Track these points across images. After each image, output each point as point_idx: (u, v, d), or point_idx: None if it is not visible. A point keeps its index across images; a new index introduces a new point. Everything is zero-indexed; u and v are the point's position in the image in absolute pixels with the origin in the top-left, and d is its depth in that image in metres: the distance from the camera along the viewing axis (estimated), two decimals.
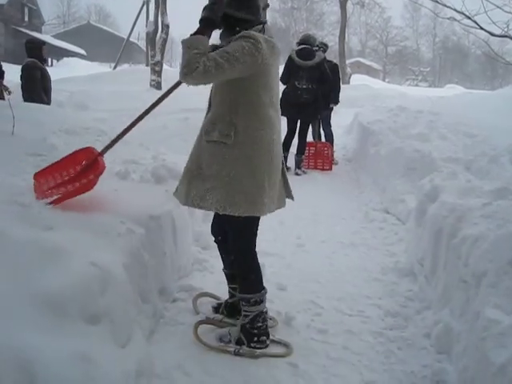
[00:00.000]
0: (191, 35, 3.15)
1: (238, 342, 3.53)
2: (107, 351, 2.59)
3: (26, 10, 50.60)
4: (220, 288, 4.26)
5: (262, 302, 3.54)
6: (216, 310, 3.97)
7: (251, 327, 3.52)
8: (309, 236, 5.84)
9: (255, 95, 3.26)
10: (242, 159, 3.26)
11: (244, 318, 3.55)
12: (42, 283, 2.52)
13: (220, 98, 3.34)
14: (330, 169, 9.73)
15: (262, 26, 3.31)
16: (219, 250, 3.90)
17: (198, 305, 4.03)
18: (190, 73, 3.01)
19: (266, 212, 3.39)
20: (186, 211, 4.84)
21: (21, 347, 2.15)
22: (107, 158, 3.86)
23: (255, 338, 3.52)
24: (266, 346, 3.54)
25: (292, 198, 3.74)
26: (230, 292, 3.91)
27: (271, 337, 3.59)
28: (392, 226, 6.44)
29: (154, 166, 4.79)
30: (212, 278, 4.60)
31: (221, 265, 4.88)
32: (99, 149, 3.84)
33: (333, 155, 9.95)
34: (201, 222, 5.72)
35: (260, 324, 3.53)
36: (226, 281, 4.45)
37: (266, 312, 3.61)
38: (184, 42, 3.11)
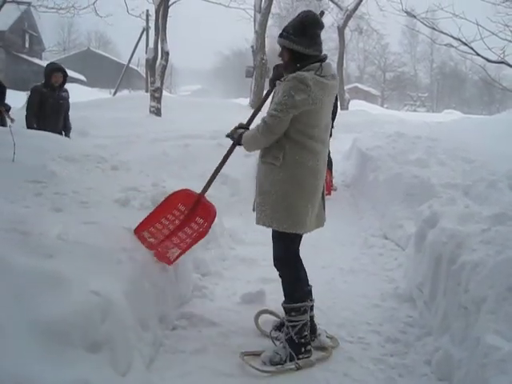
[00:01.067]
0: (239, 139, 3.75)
1: (291, 358, 3.63)
2: (107, 379, 2.59)
3: (27, 37, 51.00)
4: (221, 315, 4.25)
5: (308, 310, 3.74)
6: (278, 328, 4.03)
7: (299, 337, 3.68)
8: (308, 262, 5.78)
9: (302, 126, 3.54)
10: (289, 179, 3.57)
11: (291, 329, 3.69)
12: (43, 311, 2.53)
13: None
14: (329, 194, 9.74)
15: (319, 64, 3.53)
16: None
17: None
18: (264, 130, 3.52)
19: (306, 230, 3.71)
20: None
21: (21, 374, 2.15)
22: (108, 185, 3.87)
23: (302, 349, 3.68)
24: (311, 354, 3.72)
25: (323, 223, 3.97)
26: None
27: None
28: (391, 251, 6.44)
29: (154, 193, 4.81)
30: (212, 304, 4.59)
31: (220, 292, 4.90)
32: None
33: (332, 181, 9.97)
34: (201, 248, 5.72)
35: (306, 333, 3.71)
36: (226, 307, 4.46)
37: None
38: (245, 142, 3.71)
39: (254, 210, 3.85)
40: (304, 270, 3.86)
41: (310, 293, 3.94)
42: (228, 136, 3.89)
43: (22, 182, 4.59)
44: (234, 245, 6.03)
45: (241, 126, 3.86)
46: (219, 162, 4.00)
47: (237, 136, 3.77)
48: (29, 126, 7.88)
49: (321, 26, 3.61)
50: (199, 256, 5.37)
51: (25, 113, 8.04)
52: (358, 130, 17.10)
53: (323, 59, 3.60)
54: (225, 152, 3.92)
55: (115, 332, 2.85)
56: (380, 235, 7.10)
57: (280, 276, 3.80)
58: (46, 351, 2.35)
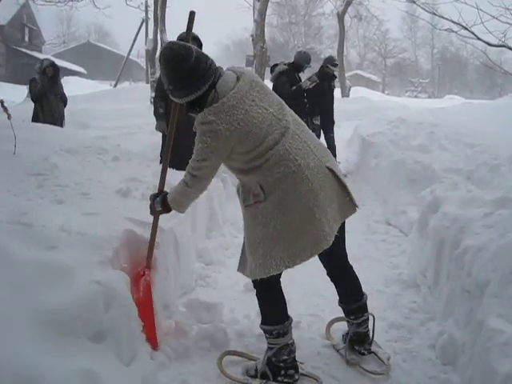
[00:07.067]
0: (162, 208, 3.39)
1: (263, 376, 3.34)
2: (112, 369, 2.60)
3: (27, 31, 50.89)
4: (224, 304, 4.24)
5: (286, 333, 3.32)
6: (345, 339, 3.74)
7: (277, 360, 3.31)
8: None
9: (253, 154, 3.05)
10: (280, 207, 3.07)
11: (269, 351, 3.35)
12: (46, 301, 2.54)
13: (237, 167, 3.21)
14: None
15: (213, 91, 2.99)
16: (333, 283, 3.70)
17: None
18: (188, 189, 3.19)
19: (332, 237, 3.21)
20: (188, 228, 4.85)
21: (25, 365, 2.16)
22: (109, 176, 3.86)
23: (282, 372, 3.31)
24: (295, 381, 3.33)
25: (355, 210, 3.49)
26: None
27: (301, 370, 3.39)
28: (394, 237, 6.45)
29: (156, 183, 4.80)
30: (215, 293, 4.59)
31: (224, 280, 4.90)
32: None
33: None
34: (204, 237, 5.72)
35: (286, 357, 3.31)
36: (230, 296, 4.45)
37: (293, 344, 3.37)
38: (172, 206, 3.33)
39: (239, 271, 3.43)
40: (282, 293, 3.42)
41: (358, 309, 3.59)
42: (154, 213, 3.54)
43: (24, 174, 4.59)
44: (237, 233, 6.03)
45: (155, 196, 3.49)
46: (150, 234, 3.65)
47: (160, 206, 3.39)
48: (155, 113, 7.10)
49: (189, 57, 2.94)
50: (202, 245, 5.38)
51: (25, 106, 7.97)
52: (359, 116, 17.04)
53: (215, 82, 3.02)
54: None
55: (119, 322, 2.86)
56: (383, 221, 7.11)
57: (256, 295, 3.40)
58: (49, 342, 2.36)
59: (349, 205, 3.40)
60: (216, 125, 2.92)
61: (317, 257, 3.39)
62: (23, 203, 3.85)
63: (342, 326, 3.86)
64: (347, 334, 3.67)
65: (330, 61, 10.46)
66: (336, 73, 10.47)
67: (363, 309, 3.60)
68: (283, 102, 3.25)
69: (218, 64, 3.13)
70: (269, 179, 3.05)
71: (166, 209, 3.37)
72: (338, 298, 3.67)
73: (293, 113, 3.29)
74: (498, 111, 12.23)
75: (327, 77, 10.25)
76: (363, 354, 3.58)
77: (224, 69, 3.16)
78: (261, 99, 3.09)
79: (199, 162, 3.04)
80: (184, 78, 2.96)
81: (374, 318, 3.63)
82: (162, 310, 3.82)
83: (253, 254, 3.20)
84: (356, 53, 70.82)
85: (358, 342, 3.60)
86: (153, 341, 3.48)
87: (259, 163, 3.05)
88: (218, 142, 2.96)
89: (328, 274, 3.68)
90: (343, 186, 3.31)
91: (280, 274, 3.33)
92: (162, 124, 6.97)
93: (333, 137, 10.58)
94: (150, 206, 3.49)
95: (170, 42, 3.05)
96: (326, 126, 10.39)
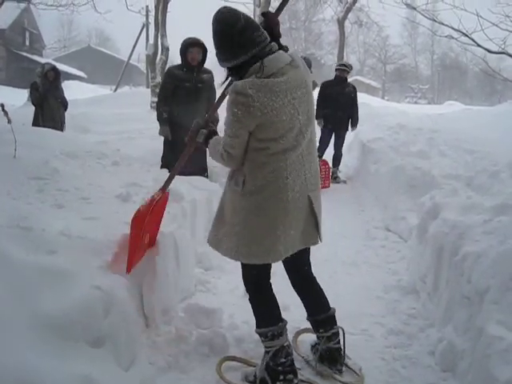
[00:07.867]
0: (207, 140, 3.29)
1: (262, 382, 3.30)
2: (111, 373, 2.60)
3: (27, 35, 50.98)
4: (223, 309, 4.24)
5: (281, 335, 3.30)
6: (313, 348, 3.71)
7: (275, 364, 3.27)
8: (311, 255, 5.81)
9: (261, 144, 3.03)
10: (252, 209, 3.10)
11: (266, 355, 3.31)
12: (45, 306, 2.54)
13: None
14: (328, 186, 9.73)
15: (260, 62, 2.95)
16: (299, 296, 3.66)
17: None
18: (223, 162, 3.11)
19: (282, 257, 3.22)
20: (188, 233, 4.85)
21: (24, 369, 2.15)
22: (109, 181, 3.86)
23: (281, 377, 3.26)
24: None
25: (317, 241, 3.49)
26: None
27: (300, 376, 3.35)
28: (394, 243, 6.43)
29: (156, 188, 4.81)
30: (215, 299, 4.58)
31: (223, 285, 4.88)
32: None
33: (329, 171, 9.98)
34: (203, 243, 5.71)
35: (283, 360, 3.27)
36: (229, 301, 4.42)
37: (289, 346, 3.35)
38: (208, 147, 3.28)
39: (208, 242, 3.41)
40: (273, 295, 3.43)
41: (326, 321, 3.53)
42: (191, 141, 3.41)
43: (25, 178, 4.60)
44: None
45: (202, 126, 3.37)
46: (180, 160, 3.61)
47: (203, 140, 3.31)
48: (158, 118, 7.08)
49: (234, 24, 2.93)
50: (201, 250, 5.37)
51: (25, 110, 7.98)
52: (359, 122, 17.06)
53: (265, 54, 2.98)
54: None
55: (118, 326, 2.86)
56: (382, 227, 7.09)
57: (249, 300, 3.43)
58: (48, 346, 2.36)
59: (314, 235, 3.42)
60: (252, 100, 2.88)
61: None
62: (23, 207, 3.84)
63: (309, 338, 3.82)
64: (316, 345, 3.63)
65: (337, 65, 10.77)
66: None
67: (332, 321, 3.56)
68: (313, 118, 3.25)
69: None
70: (256, 182, 3.06)
71: (207, 146, 3.31)
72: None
73: (314, 132, 3.27)
74: (498, 118, 12.26)
75: (338, 80, 10.32)
76: (335, 373, 3.50)
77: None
78: (300, 102, 3.07)
79: (232, 138, 3.00)
80: (225, 44, 2.98)
81: (343, 333, 3.57)
82: (162, 315, 3.82)
83: (216, 227, 3.32)
84: (356, 59, 70.77)
85: (330, 360, 3.52)
86: (131, 261, 3.46)
87: (259, 162, 3.05)
88: (248, 118, 2.92)
89: (292, 283, 3.65)
90: (315, 217, 3.33)
91: (269, 272, 3.39)
92: (165, 129, 6.97)
93: (342, 145, 10.59)
94: (192, 130, 3.37)
95: (224, 7, 3.04)
96: (338, 131, 10.44)
